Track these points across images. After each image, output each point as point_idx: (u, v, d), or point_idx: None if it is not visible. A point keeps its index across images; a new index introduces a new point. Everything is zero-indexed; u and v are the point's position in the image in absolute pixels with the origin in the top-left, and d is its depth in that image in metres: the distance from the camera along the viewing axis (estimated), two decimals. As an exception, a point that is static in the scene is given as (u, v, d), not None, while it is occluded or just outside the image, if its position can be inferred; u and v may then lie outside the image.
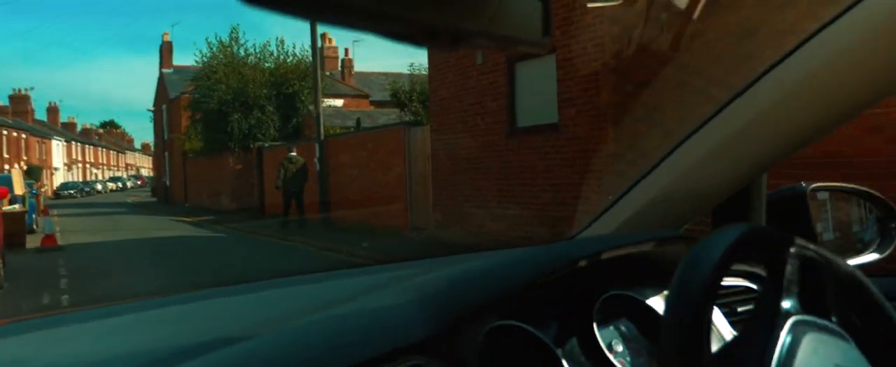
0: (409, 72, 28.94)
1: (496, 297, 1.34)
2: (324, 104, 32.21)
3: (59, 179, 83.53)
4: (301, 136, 31.01)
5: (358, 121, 27.73)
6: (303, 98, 31.91)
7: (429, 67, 16.11)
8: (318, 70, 22.64)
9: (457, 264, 1.76)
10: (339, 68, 47.85)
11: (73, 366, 1.23)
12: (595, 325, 1.42)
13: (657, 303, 1.52)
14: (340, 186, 21.47)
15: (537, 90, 13.03)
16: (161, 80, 50.65)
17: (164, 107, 49.39)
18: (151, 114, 54.43)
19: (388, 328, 1.22)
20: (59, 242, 19.02)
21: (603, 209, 1.92)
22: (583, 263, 1.45)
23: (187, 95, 37.95)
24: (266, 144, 29.05)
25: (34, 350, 1.37)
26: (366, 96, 42.76)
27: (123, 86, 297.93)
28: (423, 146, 16.76)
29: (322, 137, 22.17)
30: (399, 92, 26.97)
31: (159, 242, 20.56)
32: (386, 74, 48.26)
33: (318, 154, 21.97)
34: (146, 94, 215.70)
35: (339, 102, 38.11)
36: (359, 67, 50.20)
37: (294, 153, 21.91)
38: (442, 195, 15.74)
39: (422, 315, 1.24)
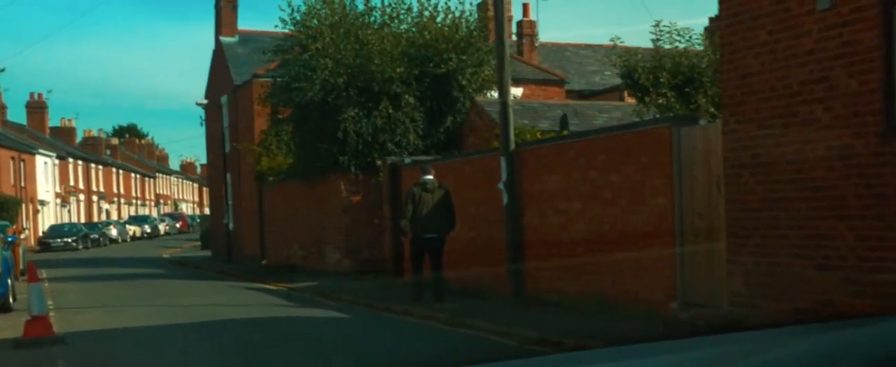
0: (654, 39, 27.85)
1: None
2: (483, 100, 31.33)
3: (47, 218, 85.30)
4: (462, 145, 30.33)
5: (563, 119, 26.99)
6: (464, 81, 31.45)
7: (720, 20, 15.13)
8: (503, 32, 21.94)
9: (800, 338, 2.00)
10: (515, 37, 47.36)
11: None
12: None
13: None
14: (544, 228, 20.81)
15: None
16: (219, 53, 50.95)
17: (223, 99, 49.69)
18: (203, 111, 54.50)
19: None
20: (56, 329, 18.10)
21: None
22: None
23: (265, 80, 37.87)
24: (405, 160, 28.57)
25: None
26: (561, 83, 42.45)
27: (150, 70, 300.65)
28: (706, 159, 15.88)
29: (512, 146, 21.46)
30: (637, 70, 26.16)
31: (242, 329, 19.94)
32: (591, 47, 48.03)
33: (505, 176, 21.32)
34: (191, 81, 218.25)
35: (518, 91, 37.59)
36: (544, 35, 49.80)
37: (430, 176, 21.86)
38: (745, 245, 14.78)
39: None
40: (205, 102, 53.56)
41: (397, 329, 18.98)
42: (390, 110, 30.88)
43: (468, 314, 18.65)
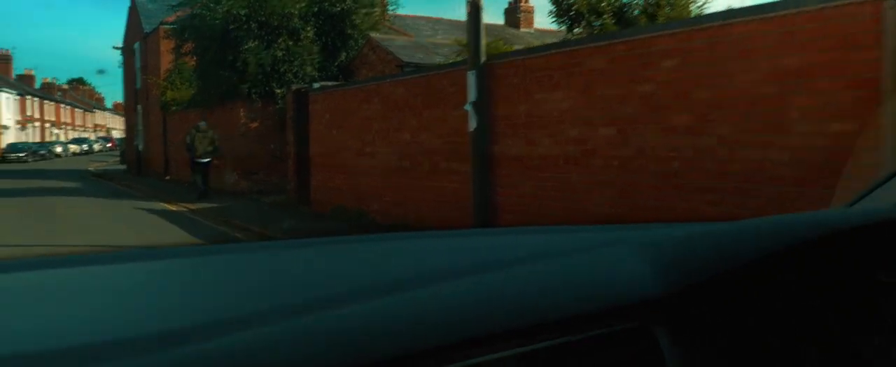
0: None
1: (737, 264, 1.17)
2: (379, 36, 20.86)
3: (8, 139, 71.26)
4: (353, 75, 19.87)
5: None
6: (357, 21, 20.84)
7: None
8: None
9: (698, 228, 1.57)
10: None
11: None
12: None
13: None
14: (530, 159, 9.66)
15: None
16: (133, 9, 38.39)
17: (136, 46, 37.18)
18: (121, 56, 42.09)
19: (615, 280, 1.13)
20: None
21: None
22: (852, 235, 1.23)
23: (169, 27, 26.12)
24: (315, 85, 17.28)
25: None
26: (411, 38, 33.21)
27: (95, 44, 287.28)
28: None
29: (483, 57, 10.23)
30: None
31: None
32: (420, 17, 39.61)
33: (473, 95, 10.10)
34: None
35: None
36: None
37: (203, 123, 19.96)
38: None
39: (653, 273, 1.12)
40: (120, 46, 41.33)
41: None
42: (289, 43, 19.96)
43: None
